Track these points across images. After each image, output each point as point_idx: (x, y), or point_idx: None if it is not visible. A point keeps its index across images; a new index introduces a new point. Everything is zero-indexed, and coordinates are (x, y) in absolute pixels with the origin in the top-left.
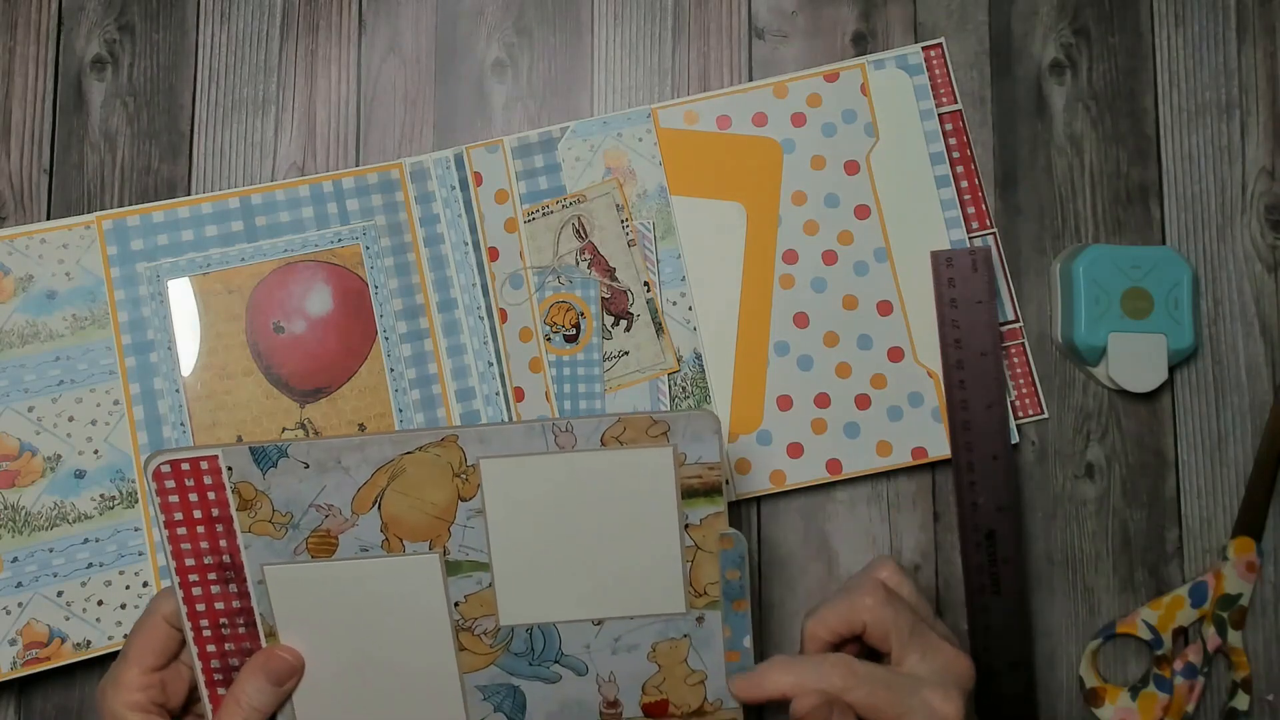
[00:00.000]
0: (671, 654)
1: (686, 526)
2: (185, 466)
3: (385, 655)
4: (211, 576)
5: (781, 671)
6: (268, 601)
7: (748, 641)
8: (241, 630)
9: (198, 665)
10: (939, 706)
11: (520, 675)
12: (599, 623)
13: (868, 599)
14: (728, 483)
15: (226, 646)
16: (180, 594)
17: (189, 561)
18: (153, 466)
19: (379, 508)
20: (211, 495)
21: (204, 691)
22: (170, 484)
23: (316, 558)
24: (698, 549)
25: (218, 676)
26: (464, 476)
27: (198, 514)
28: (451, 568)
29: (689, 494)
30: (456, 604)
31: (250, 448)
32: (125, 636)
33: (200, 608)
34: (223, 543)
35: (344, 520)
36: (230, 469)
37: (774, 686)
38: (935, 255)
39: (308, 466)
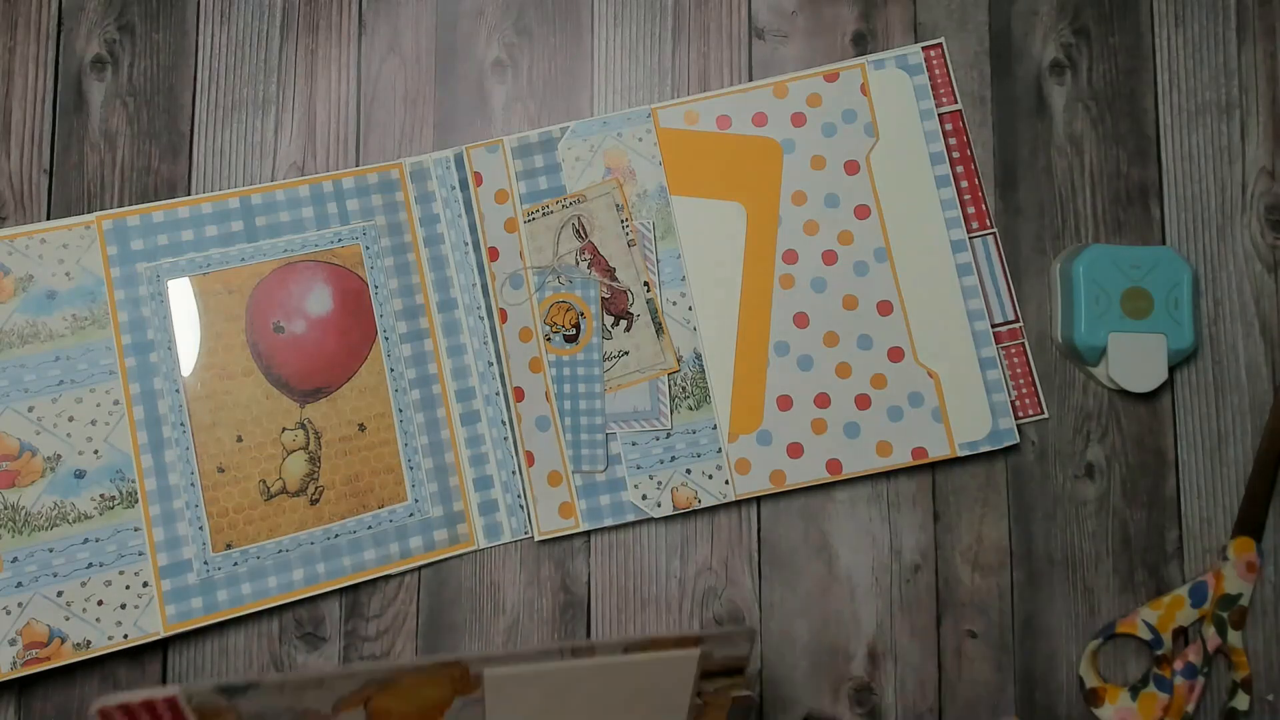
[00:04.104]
0: None
1: (700, 693)
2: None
3: None
4: None
5: None
6: None
7: None
8: None
9: None
10: None
11: None
12: None
13: None
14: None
15: None
16: None
17: None
18: (96, 708)
19: (365, 707)
20: (167, 716)
21: None
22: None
23: None
24: (705, 705)
25: None
26: (464, 680)
27: None
28: None
29: (708, 674)
30: None
31: (216, 687)
32: (125, 637)
33: None
34: None
35: (325, 716)
36: (190, 697)
37: None
38: None
39: (283, 690)
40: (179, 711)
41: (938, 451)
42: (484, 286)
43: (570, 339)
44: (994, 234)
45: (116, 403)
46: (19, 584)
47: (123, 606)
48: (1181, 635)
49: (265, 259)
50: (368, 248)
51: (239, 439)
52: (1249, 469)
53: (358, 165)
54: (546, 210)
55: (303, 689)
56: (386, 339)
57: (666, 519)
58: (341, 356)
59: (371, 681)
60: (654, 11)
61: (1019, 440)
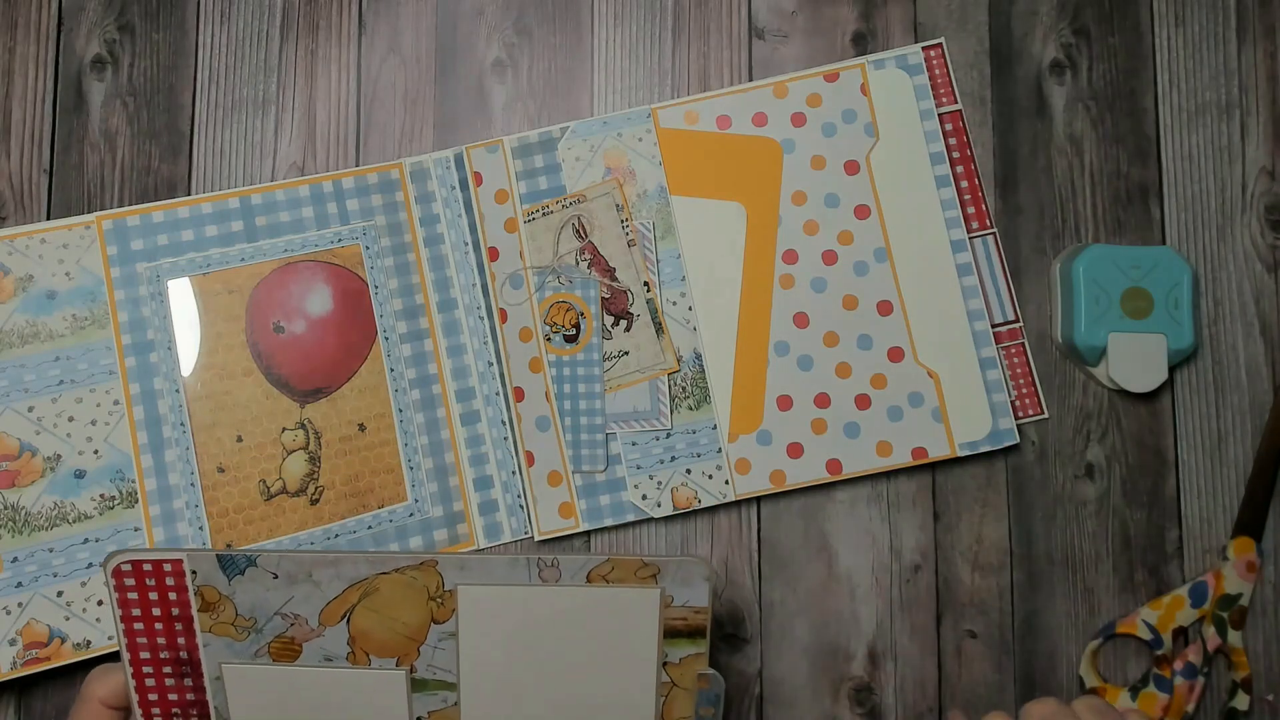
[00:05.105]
0: None
1: (665, 664)
2: (147, 567)
3: None
4: (166, 670)
5: None
6: (224, 696)
7: None
8: None
9: None
10: None
11: None
12: None
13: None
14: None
15: None
16: (132, 683)
17: (144, 655)
18: (113, 565)
19: (347, 622)
20: (173, 595)
21: None
22: (130, 582)
23: (278, 661)
24: (674, 685)
25: None
26: (439, 600)
27: (156, 611)
28: (417, 685)
29: (672, 634)
30: (419, 718)
31: (217, 555)
32: None
33: (153, 697)
34: (181, 640)
35: (310, 630)
36: (195, 573)
37: None
38: None
39: (276, 577)
40: (185, 589)
41: (938, 451)
42: (484, 286)
43: (570, 339)
44: (994, 234)
45: (116, 403)
46: (19, 584)
47: None
48: (1181, 635)
49: (265, 259)
50: (368, 248)
51: (239, 439)
52: (1249, 469)
53: (358, 165)
54: (546, 210)
55: (295, 576)
56: (386, 339)
57: (666, 519)
58: (341, 356)
59: (356, 580)
60: (654, 11)
61: (1019, 440)
